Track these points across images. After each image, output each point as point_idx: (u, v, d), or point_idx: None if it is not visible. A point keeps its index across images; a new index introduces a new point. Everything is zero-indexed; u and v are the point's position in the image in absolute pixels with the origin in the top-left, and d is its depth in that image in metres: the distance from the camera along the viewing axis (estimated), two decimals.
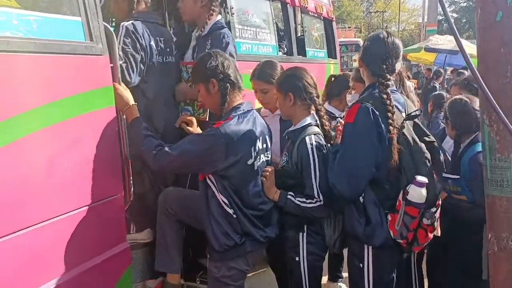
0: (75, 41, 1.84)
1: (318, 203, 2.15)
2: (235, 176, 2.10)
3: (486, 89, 1.43)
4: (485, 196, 1.76)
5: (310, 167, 2.16)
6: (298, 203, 2.15)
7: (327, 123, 2.31)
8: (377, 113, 1.98)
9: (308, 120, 2.28)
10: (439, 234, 2.16)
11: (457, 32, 1.44)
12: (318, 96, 2.31)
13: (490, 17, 1.65)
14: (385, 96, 2.02)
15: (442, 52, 10.90)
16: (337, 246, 2.27)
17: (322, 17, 5.32)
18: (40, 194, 1.69)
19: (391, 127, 1.97)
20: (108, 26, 2.06)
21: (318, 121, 2.31)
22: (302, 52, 4.60)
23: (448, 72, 13.01)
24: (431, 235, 2.06)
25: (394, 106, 2.02)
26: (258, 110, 2.65)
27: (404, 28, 43.45)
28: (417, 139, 2.06)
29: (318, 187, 2.14)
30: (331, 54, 5.53)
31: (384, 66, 2.07)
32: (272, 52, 3.89)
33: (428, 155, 2.05)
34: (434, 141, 2.17)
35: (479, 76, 1.46)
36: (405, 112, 2.16)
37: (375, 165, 2.00)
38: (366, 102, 2.02)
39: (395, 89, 2.25)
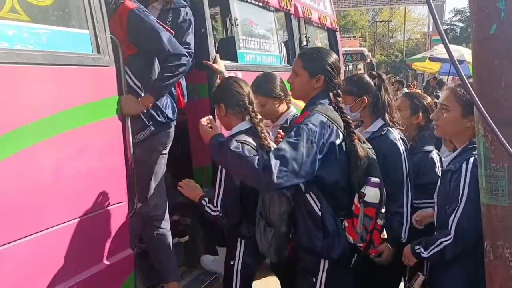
0: (83, 53, 1.91)
1: (216, 213, 2.17)
2: None
3: (477, 99, 1.47)
4: (481, 204, 1.79)
5: (217, 177, 2.20)
6: (206, 209, 2.21)
7: (264, 130, 2.25)
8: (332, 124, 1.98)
9: (236, 128, 2.24)
10: (385, 236, 2.21)
11: (446, 40, 1.48)
12: (251, 103, 2.25)
13: (485, 29, 1.70)
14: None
15: (446, 62, 10.93)
16: (272, 254, 2.19)
17: (326, 28, 5.39)
18: (46, 201, 1.75)
19: (352, 130, 2.02)
20: (115, 38, 2.13)
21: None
22: None
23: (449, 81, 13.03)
24: (381, 238, 2.09)
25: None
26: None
27: (409, 38, 43.53)
28: (366, 143, 2.12)
29: (219, 198, 2.17)
30: None
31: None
32: (276, 62, 3.95)
33: (375, 157, 2.09)
34: (370, 148, 2.17)
35: (470, 86, 1.50)
36: None
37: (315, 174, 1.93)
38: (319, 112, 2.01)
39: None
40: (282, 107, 2.76)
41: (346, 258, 2.06)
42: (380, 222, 2.02)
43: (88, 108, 1.92)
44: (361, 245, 2.02)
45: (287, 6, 4.13)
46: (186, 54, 2.42)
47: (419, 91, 11.67)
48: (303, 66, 2.11)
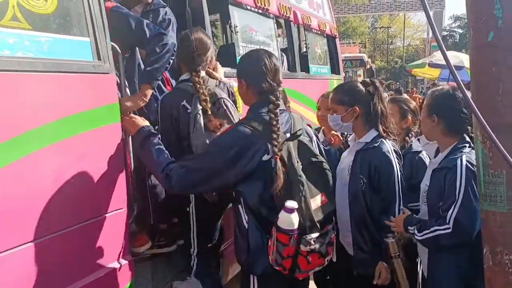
0: (84, 60, 1.92)
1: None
2: None
3: (474, 106, 1.48)
4: (480, 211, 1.80)
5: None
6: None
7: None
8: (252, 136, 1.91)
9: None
10: (334, 260, 2.10)
11: (443, 46, 1.50)
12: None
13: (482, 37, 1.71)
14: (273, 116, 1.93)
15: (446, 68, 10.96)
16: None
17: (325, 34, 5.42)
18: (46, 207, 1.75)
19: (275, 149, 1.88)
20: (115, 45, 2.14)
21: None
22: (305, 68, 4.68)
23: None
24: (321, 261, 1.94)
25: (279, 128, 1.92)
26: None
27: (409, 44, 43.69)
28: (294, 161, 1.92)
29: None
30: (334, 70, 5.62)
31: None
32: None
33: (303, 177, 1.90)
34: (323, 161, 2.04)
35: (467, 93, 1.51)
36: (290, 132, 2.03)
37: (223, 184, 1.94)
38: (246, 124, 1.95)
39: (283, 108, 2.11)
40: None
41: (276, 276, 1.93)
42: (305, 248, 1.85)
43: (88, 115, 1.93)
44: (278, 268, 1.89)
45: (286, 13, 4.16)
46: (166, 33, 2.46)
47: (420, 96, 11.70)
48: (238, 73, 2.09)
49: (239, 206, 1.97)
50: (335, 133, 2.85)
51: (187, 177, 1.93)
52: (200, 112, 2.23)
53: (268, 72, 1.97)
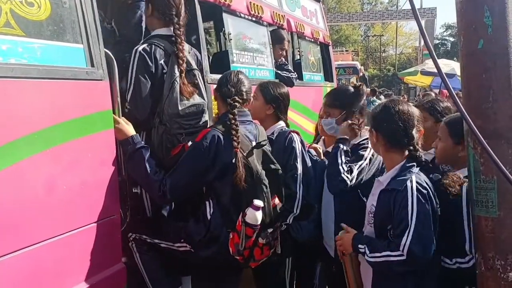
0: (77, 67, 1.92)
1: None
2: None
3: (465, 112, 1.50)
4: (472, 216, 1.81)
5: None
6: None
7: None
8: (222, 140, 2.20)
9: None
10: (279, 251, 2.37)
11: (434, 54, 1.53)
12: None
13: (473, 44, 1.75)
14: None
15: (438, 76, 11.06)
16: None
17: (318, 42, 5.45)
18: (38, 215, 1.74)
19: (235, 143, 2.17)
20: (109, 52, 2.14)
21: None
22: (299, 75, 4.70)
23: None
24: (268, 252, 2.29)
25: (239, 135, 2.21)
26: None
27: (401, 52, 44.10)
28: (258, 167, 2.25)
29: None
30: (328, 77, 5.64)
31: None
32: (269, 76, 3.98)
33: (266, 181, 2.25)
34: (279, 169, 2.37)
35: (458, 100, 1.53)
36: (256, 141, 2.35)
37: (203, 184, 2.27)
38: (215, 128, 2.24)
39: (250, 120, 2.42)
40: (271, 116, 2.75)
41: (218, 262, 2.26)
42: (262, 241, 2.21)
43: (81, 122, 1.92)
44: (238, 257, 2.21)
45: (280, 21, 4.19)
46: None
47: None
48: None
49: (207, 201, 2.26)
50: (315, 145, 2.95)
51: (178, 186, 2.18)
52: (177, 80, 2.25)
53: (229, 83, 2.32)
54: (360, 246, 2.02)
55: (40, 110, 1.75)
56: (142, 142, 2.22)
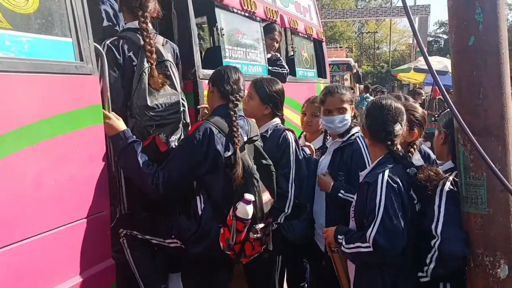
0: (66, 61, 1.90)
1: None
2: None
3: (455, 109, 1.50)
4: (461, 213, 1.82)
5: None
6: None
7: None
8: (215, 132, 2.20)
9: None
10: (271, 248, 2.36)
11: (425, 52, 1.54)
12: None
13: (464, 41, 1.74)
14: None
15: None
16: None
17: (312, 38, 5.44)
18: (26, 210, 1.72)
19: (235, 140, 2.20)
20: (98, 46, 2.12)
21: None
22: (292, 72, 4.69)
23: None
24: (260, 248, 2.28)
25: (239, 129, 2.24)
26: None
27: (395, 49, 44.18)
28: (250, 162, 2.26)
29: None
30: (321, 74, 5.64)
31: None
32: (262, 72, 3.97)
33: (257, 175, 2.26)
34: (271, 164, 2.39)
35: (448, 97, 1.53)
36: (247, 136, 2.36)
37: (195, 177, 2.25)
38: (208, 121, 2.25)
39: (242, 115, 2.43)
40: (268, 115, 2.72)
41: (211, 258, 2.26)
42: (253, 235, 2.20)
43: (70, 116, 1.90)
44: (229, 252, 2.20)
45: (273, 17, 4.17)
46: None
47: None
48: (209, 79, 2.42)
49: (197, 197, 2.26)
50: (308, 143, 2.94)
51: (171, 179, 2.15)
52: (146, 71, 2.24)
53: (230, 80, 2.31)
54: (339, 237, 2.08)
55: (28, 105, 1.72)
56: (134, 137, 2.20)
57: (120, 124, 2.17)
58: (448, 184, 1.88)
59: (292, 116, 4.33)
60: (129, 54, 2.25)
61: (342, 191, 2.45)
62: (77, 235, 1.96)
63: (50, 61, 1.82)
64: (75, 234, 1.95)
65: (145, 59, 2.25)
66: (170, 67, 2.39)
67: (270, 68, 3.98)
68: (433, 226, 1.83)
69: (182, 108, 2.49)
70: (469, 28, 1.72)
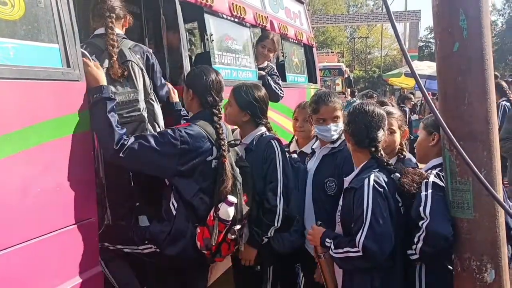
0: (52, 67, 1.88)
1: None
2: None
3: (439, 115, 1.51)
4: (450, 218, 1.83)
5: None
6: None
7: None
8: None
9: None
10: (242, 249, 2.41)
11: (409, 57, 1.56)
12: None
13: (448, 47, 1.76)
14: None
15: (421, 78, 11.19)
16: None
17: (302, 44, 5.46)
18: (13, 217, 1.70)
19: (224, 153, 2.23)
20: (86, 52, 2.11)
21: None
22: (282, 77, 4.70)
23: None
24: (234, 249, 2.35)
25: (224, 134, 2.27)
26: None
27: (386, 54, 44.51)
28: (233, 164, 2.31)
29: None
30: (312, 79, 5.66)
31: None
32: (252, 77, 3.98)
33: (240, 178, 2.31)
34: (247, 166, 2.43)
35: (432, 103, 1.54)
36: (227, 140, 2.37)
37: (159, 168, 2.18)
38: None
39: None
40: (249, 122, 2.65)
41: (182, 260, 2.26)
42: (230, 236, 2.25)
43: (57, 123, 1.88)
44: (205, 252, 2.21)
45: (263, 22, 4.19)
46: None
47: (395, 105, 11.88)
48: (186, 84, 2.43)
49: (171, 195, 2.23)
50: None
51: (138, 153, 2.07)
52: (103, 71, 2.20)
53: (213, 88, 2.32)
54: (327, 240, 2.09)
55: (14, 112, 1.71)
56: (112, 95, 2.13)
57: (102, 76, 2.09)
58: (432, 176, 1.93)
59: (283, 121, 4.33)
60: (92, 57, 2.21)
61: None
62: (64, 243, 1.94)
63: (36, 68, 1.81)
64: (61, 241, 1.93)
65: (107, 60, 2.24)
66: (132, 67, 2.36)
67: (269, 82, 3.90)
68: (421, 209, 1.87)
69: (143, 107, 2.40)
70: (453, 34, 1.74)
